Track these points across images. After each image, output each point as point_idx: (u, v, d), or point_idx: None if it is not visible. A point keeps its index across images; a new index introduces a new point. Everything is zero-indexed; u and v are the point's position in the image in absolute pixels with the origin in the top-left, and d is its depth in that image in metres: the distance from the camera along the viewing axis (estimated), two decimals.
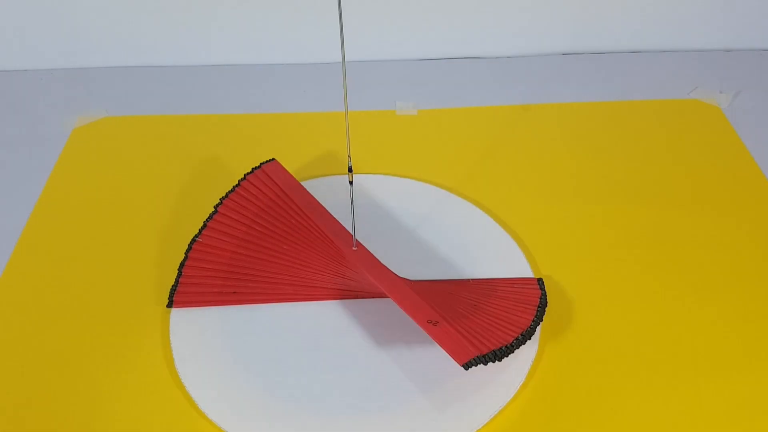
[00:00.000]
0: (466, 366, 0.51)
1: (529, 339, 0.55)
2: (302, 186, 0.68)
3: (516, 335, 0.55)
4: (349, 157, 0.57)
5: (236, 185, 0.67)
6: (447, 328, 0.54)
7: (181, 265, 0.62)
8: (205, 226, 0.64)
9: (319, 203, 0.66)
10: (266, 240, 0.64)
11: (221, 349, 0.58)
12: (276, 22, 0.89)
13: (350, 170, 0.58)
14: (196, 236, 0.64)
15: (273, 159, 0.69)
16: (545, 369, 0.57)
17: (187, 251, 0.63)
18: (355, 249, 0.61)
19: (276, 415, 0.54)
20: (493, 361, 0.52)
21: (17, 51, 0.90)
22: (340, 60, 0.52)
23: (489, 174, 0.74)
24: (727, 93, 0.85)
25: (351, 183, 0.59)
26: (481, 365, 0.52)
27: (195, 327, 0.60)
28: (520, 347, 0.54)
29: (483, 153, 0.77)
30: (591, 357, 0.58)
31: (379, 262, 0.61)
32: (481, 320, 0.56)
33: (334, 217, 0.65)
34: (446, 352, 0.51)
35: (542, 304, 0.59)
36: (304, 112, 0.83)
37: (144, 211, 0.70)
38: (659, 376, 0.56)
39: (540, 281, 0.62)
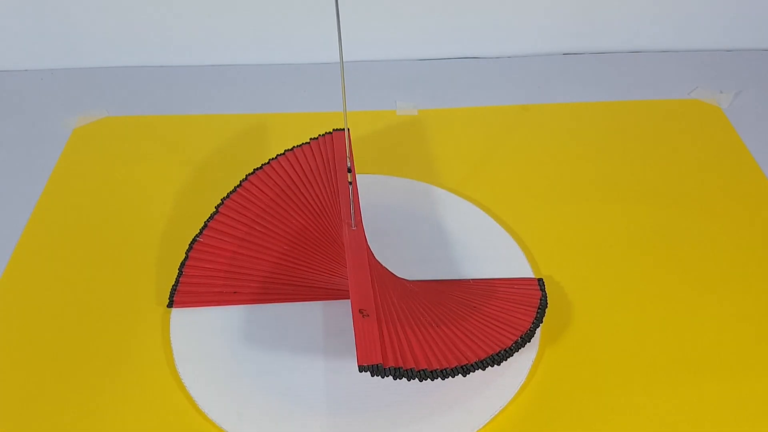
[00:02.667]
0: (361, 369, 0.47)
1: (529, 341, 0.55)
2: (353, 163, 0.64)
3: (515, 338, 0.55)
4: (348, 157, 0.57)
5: (286, 150, 0.68)
6: (373, 326, 0.50)
7: (182, 264, 0.62)
8: (206, 226, 0.64)
9: (354, 183, 0.62)
10: (267, 240, 0.64)
11: (221, 349, 0.58)
12: (276, 22, 0.89)
13: (350, 170, 0.58)
14: (197, 236, 0.64)
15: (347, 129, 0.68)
16: (545, 370, 0.57)
17: (188, 251, 0.63)
18: (354, 228, 0.60)
19: (276, 415, 0.54)
20: (492, 366, 0.52)
21: (17, 51, 0.90)
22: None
23: (489, 174, 0.74)
24: (727, 93, 0.85)
25: (351, 183, 0.59)
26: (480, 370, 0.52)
27: (195, 327, 0.60)
28: (520, 349, 0.55)
29: (483, 153, 0.77)
30: (591, 358, 0.58)
31: (367, 247, 0.59)
32: (480, 322, 0.56)
33: (358, 202, 0.62)
34: (356, 346, 0.49)
35: (542, 306, 0.59)
36: (304, 112, 0.83)
37: (144, 210, 0.70)
38: (659, 377, 0.56)
39: (540, 282, 0.62)
